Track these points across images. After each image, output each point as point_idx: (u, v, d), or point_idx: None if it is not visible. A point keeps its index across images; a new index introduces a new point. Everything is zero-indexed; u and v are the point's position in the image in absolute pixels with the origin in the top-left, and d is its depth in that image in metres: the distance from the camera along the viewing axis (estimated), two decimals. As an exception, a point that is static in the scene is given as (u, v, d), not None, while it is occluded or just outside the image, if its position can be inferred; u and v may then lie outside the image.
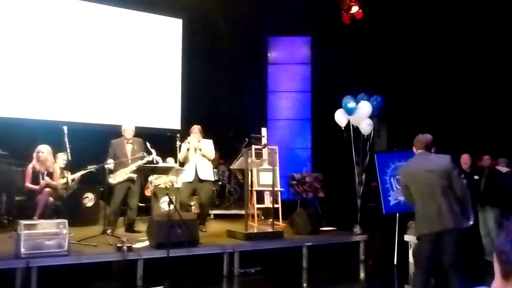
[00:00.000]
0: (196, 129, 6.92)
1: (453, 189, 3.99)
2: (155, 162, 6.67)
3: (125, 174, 6.51)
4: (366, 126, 7.08)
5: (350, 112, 7.01)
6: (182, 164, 6.87)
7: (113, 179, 6.46)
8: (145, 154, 6.56)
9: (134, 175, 6.57)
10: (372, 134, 7.14)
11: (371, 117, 7.09)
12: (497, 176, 6.57)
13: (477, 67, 8.72)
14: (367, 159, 7.13)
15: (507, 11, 8.06)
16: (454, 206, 3.96)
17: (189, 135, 6.91)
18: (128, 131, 6.72)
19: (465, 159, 7.21)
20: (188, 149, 6.76)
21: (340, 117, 7.17)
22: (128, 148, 6.68)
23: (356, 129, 7.15)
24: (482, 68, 8.64)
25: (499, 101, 8.42)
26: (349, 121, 7.18)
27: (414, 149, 4.29)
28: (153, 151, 6.60)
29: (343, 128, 7.13)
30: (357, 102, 7.03)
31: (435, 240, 3.99)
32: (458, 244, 3.99)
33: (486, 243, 6.53)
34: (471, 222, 4.07)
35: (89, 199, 7.45)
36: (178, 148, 6.89)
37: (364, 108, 7.01)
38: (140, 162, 6.50)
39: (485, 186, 6.57)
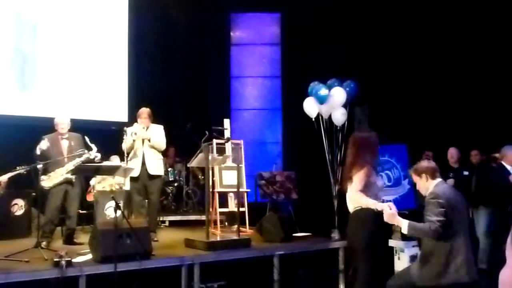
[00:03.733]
0: (144, 114, 6.97)
1: None
2: (96, 160, 6.59)
3: (61, 175, 6.43)
4: (340, 116, 7.21)
5: (322, 100, 7.11)
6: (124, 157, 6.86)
7: (47, 182, 6.36)
8: (85, 151, 6.50)
9: (72, 176, 6.50)
10: (345, 125, 7.27)
11: (345, 105, 7.23)
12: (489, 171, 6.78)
13: (464, 50, 8.94)
14: (343, 154, 7.25)
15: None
16: None
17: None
18: (62, 125, 6.64)
19: (451, 153, 7.45)
20: (134, 140, 6.80)
21: (311, 107, 7.25)
22: (64, 144, 6.62)
23: (329, 120, 7.26)
24: (470, 52, 8.84)
25: (491, 85, 8.66)
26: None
27: (426, 178, 4.27)
28: (93, 146, 6.54)
29: (313, 120, 7.23)
30: (329, 89, 7.15)
31: None
32: None
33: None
34: None
35: (18, 207, 7.38)
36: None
37: (338, 95, 7.14)
38: (78, 160, 6.44)
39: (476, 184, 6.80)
